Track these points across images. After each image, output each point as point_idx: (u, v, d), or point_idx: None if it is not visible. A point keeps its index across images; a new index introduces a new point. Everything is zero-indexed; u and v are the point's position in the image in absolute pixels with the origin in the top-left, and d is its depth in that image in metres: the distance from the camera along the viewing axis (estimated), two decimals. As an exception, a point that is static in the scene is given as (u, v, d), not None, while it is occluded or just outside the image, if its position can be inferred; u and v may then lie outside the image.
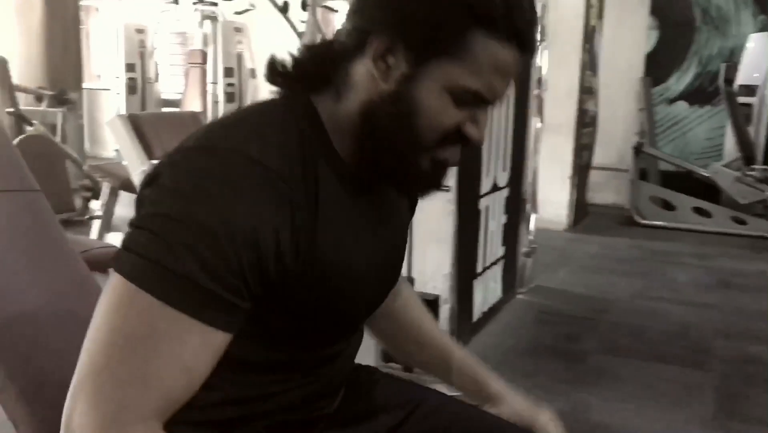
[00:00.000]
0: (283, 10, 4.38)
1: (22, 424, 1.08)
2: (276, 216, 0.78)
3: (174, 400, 0.76)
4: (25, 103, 5.41)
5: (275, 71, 0.92)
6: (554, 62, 5.37)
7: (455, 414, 1.09)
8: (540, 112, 3.99)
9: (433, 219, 2.87)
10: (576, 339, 3.28)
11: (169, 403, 0.76)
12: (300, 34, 4.25)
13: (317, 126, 0.87)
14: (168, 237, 0.74)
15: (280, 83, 0.92)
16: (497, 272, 3.48)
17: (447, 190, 2.47)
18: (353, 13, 0.87)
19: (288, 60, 0.91)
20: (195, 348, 0.76)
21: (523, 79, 3.59)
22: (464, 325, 3.08)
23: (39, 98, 5.63)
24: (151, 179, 0.80)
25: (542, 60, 3.99)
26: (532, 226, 4.07)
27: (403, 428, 1.06)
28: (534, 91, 3.90)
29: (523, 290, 3.93)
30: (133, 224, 0.78)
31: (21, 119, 4.95)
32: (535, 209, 4.11)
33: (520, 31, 0.83)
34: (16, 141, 4.26)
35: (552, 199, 5.54)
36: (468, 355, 1.19)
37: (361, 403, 1.07)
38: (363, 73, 0.85)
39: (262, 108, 0.90)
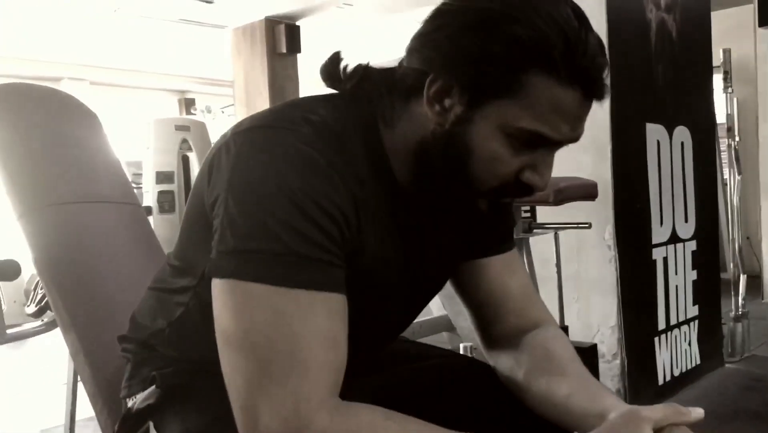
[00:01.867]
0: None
1: (87, 383, 1.26)
2: (344, 199, 0.78)
3: (336, 371, 0.75)
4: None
5: (336, 74, 0.89)
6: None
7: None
8: (736, 164, 3.68)
9: (592, 266, 2.75)
10: (787, 405, 2.84)
11: (335, 376, 0.75)
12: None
13: (377, 142, 0.86)
14: (259, 221, 0.74)
15: (338, 88, 0.90)
16: (689, 333, 3.16)
17: (587, 227, 2.36)
18: (410, 53, 0.84)
19: (349, 68, 0.89)
20: (325, 317, 0.75)
21: (706, 126, 3.36)
22: (646, 385, 2.83)
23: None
24: (216, 165, 0.81)
25: (732, 108, 3.70)
26: (741, 289, 3.67)
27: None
28: (727, 141, 3.63)
29: (734, 359, 3.50)
30: (217, 225, 0.78)
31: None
32: (743, 270, 3.72)
33: (584, 73, 0.77)
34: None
35: (786, 270, 4.95)
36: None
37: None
38: (420, 112, 0.82)
39: (327, 104, 0.87)
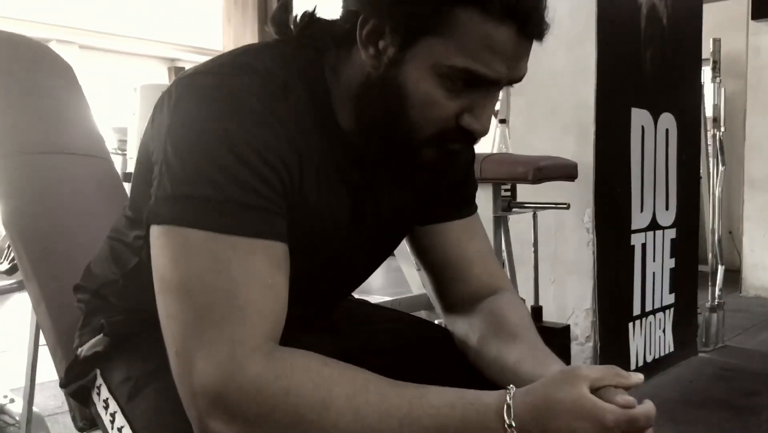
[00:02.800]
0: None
1: (48, 334, 1.25)
2: (286, 149, 0.77)
3: (275, 318, 0.74)
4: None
5: (285, 22, 0.87)
6: (757, 112, 4.97)
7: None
8: (720, 154, 3.68)
9: (570, 249, 2.75)
10: (755, 394, 2.86)
11: (273, 322, 0.74)
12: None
13: (324, 92, 0.83)
14: (198, 167, 0.72)
15: (286, 35, 0.87)
16: (664, 320, 3.18)
17: (565, 208, 2.36)
18: None
19: (298, 17, 0.87)
20: (264, 264, 0.74)
21: (692, 115, 3.36)
22: (617, 370, 2.84)
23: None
24: (159, 112, 0.79)
25: (719, 99, 3.70)
26: (719, 279, 3.69)
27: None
28: (710, 132, 3.63)
29: (707, 348, 3.53)
30: (156, 172, 0.76)
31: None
32: (722, 261, 3.74)
33: (516, 8, 0.74)
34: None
35: (765, 264, 4.98)
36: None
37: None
38: (359, 57, 0.80)
39: (274, 52, 0.84)
